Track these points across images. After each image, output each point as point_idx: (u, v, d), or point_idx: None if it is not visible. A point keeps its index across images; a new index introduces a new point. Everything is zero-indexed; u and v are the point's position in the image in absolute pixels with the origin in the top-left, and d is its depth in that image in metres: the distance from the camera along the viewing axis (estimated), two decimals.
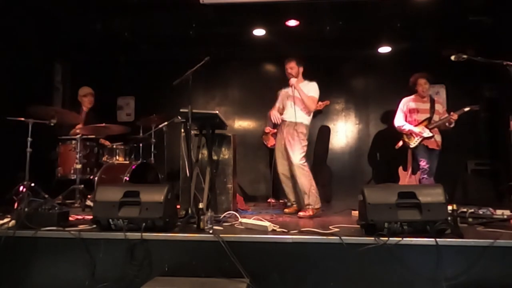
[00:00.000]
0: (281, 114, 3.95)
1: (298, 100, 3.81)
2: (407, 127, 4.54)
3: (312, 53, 5.61)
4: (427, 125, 4.48)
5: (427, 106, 4.57)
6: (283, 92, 4.06)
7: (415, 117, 4.56)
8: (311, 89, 3.87)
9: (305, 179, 3.67)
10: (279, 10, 4.98)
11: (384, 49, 6.03)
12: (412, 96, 4.67)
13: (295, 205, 3.90)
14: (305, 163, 3.72)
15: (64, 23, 5.25)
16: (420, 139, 4.45)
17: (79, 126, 4.41)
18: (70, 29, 5.36)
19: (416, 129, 4.49)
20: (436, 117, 4.51)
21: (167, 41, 5.88)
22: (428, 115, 4.51)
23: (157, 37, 5.77)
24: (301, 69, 3.95)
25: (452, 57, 3.37)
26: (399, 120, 4.63)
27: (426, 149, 4.47)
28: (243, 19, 5.25)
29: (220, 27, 5.36)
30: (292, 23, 5.30)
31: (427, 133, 4.43)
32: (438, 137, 4.52)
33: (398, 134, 4.67)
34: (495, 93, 5.73)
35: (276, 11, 4.98)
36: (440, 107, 4.60)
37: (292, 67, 3.88)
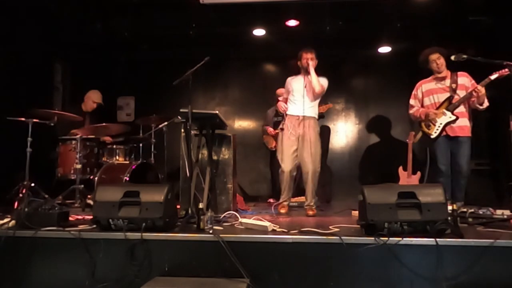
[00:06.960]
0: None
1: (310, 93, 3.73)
2: (416, 109, 3.85)
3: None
4: (448, 106, 3.65)
5: (447, 83, 3.74)
6: (294, 80, 3.86)
7: (433, 101, 3.80)
8: (321, 80, 3.75)
9: (316, 183, 3.72)
10: (279, 10, 4.99)
11: (384, 49, 6.04)
12: (428, 78, 3.93)
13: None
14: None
15: (64, 23, 5.25)
16: (442, 126, 3.63)
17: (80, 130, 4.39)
18: (70, 29, 5.37)
19: (432, 111, 3.67)
20: (462, 93, 3.67)
21: (167, 41, 5.89)
22: (448, 94, 3.68)
23: (157, 37, 5.78)
24: (316, 63, 3.80)
25: (452, 57, 3.36)
26: (410, 106, 3.96)
27: (447, 141, 3.69)
28: (243, 19, 5.26)
29: (220, 27, 5.37)
30: (292, 23, 5.31)
31: (448, 117, 3.61)
32: (463, 121, 3.65)
33: (416, 125, 4.06)
34: (495, 93, 5.72)
35: (276, 11, 4.98)
36: (466, 80, 3.72)
37: (313, 58, 3.71)
